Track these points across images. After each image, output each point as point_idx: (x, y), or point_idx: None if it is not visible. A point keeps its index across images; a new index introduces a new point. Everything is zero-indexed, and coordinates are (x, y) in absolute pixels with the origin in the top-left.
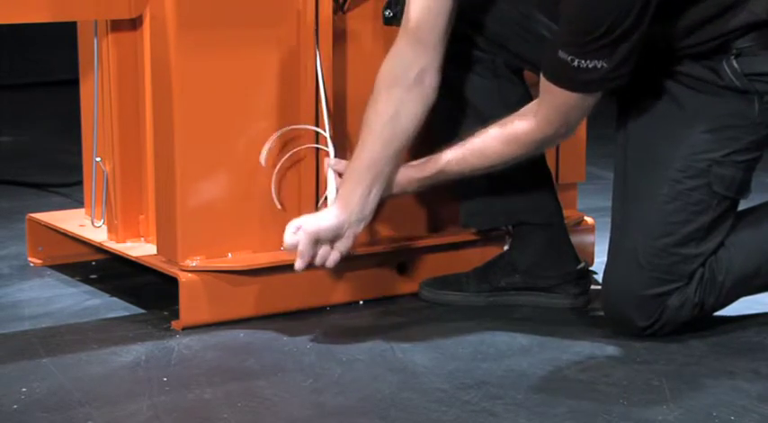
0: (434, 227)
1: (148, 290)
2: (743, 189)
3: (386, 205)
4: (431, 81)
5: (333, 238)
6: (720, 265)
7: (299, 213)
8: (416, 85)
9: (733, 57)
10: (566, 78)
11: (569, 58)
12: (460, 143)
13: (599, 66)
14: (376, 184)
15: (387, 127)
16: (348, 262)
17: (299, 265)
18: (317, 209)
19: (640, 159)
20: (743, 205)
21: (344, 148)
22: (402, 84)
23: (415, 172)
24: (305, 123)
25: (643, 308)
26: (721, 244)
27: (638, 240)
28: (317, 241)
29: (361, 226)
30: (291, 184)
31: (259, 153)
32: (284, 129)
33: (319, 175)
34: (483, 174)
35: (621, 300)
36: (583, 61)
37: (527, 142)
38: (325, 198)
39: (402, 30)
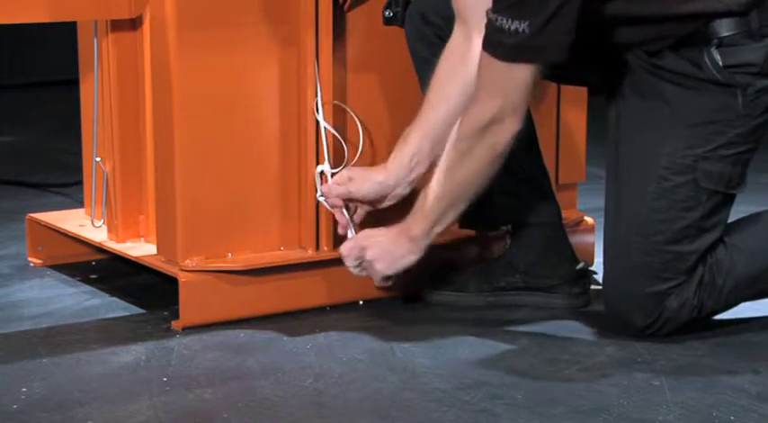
0: None
1: (148, 290)
2: (734, 183)
3: (386, 205)
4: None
5: (376, 199)
6: (721, 268)
7: (298, 213)
8: (465, 58)
9: (714, 47)
10: (493, 43)
11: (493, 18)
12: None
13: (520, 29)
14: (424, 149)
15: (437, 94)
16: None
17: (341, 228)
18: (316, 209)
19: (629, 157)
20: (746, 203)
21: (344, 147)
22: (453, 57)
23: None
24: (304, 123)
25: (641, 307)
26: (723, 243)
27: (630, 239)
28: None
29: (407, 190)
30: (292, 183)
31: (259, 154)
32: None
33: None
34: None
35: (620, 299)
36: (504, 21)
37: (475, 129)
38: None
39: (456, 14)
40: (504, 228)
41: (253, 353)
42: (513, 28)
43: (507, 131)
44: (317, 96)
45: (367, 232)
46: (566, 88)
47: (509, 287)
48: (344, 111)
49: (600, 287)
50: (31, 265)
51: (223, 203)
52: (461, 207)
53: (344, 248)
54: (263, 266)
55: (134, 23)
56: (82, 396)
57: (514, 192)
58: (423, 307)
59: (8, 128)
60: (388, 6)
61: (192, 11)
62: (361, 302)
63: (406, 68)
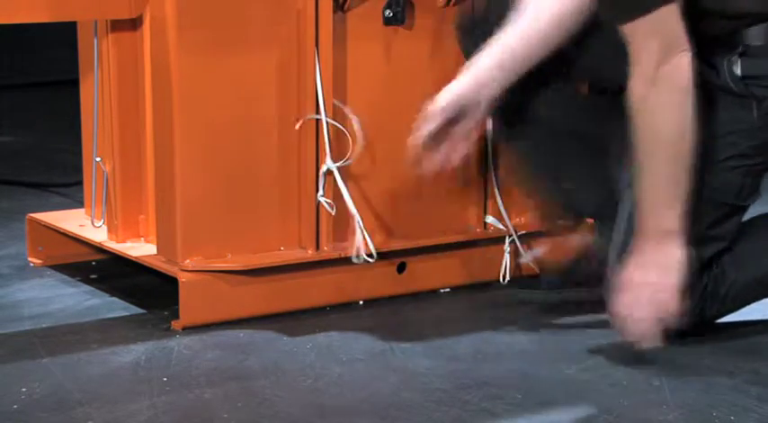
0: (434, 227)
1: (148, 290)
2: (745, 194)
3: (387, 205)
4: None
5: (463, 111)
6: (725, 278)
7: (298, 213)
8: None
9: (737, 55)
10: (616, 10)
11: None
12: None
13: None
14: (505, 64)
15: (524, 20)
16: (348, 262)
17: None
18: (316, 209)
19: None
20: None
21: (344, 146)
22: None
23: None
24: (304, 123)
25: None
26: (729, 251)
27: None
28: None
29: (492, 96)
30: (292, 183)
31: (259, 154)
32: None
33: (318, 174)
34: None
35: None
36: None
37: (648, 83)
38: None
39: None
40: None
41: (253, 353)
42: None
43: (681, 64)
44: (317, 96)
45: (618, 280)
46: None
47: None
48: (344, 110)
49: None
50: (31, 265)
51: (223, 203)
52: (687, 168)
53: (622, 307)
54: (263, 266)
55: (134, 23)
56: (82, 396)
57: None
58: (423, 307)
59: (8, 128)
60: (388, 6)
61: (191, 11)
62: (361, 302)
63: (406, 69)
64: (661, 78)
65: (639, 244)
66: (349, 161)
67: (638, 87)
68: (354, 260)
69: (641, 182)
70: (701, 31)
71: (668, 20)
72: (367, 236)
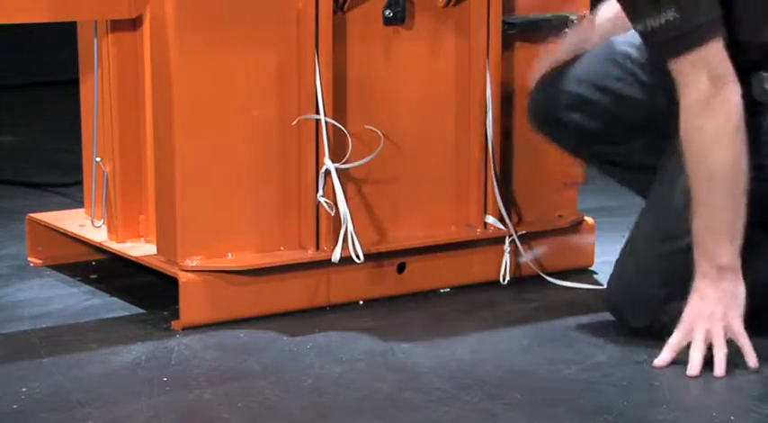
0: (434, 227)
1: (148, 290)
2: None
3: (387, 205)
4: None
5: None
6: None
7: (298, 213)
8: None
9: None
10: (658, 45)
11: (643, 28)
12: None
13: (670, 17)
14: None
15: None
16: (348, 262)
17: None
18: (316, 209)
19: (664, 169)
20: None
21: (343, 147)
22: None
23: None
24: (304, 123)
25: (641, 308)
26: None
27: (649, 237)
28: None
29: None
30: (292, 183)
31: (259, 154)
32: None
33: (318, 174)
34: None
35: (620, 298)
36: (653, 21)
37: (697, 115)
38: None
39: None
40: None
41: (253, 353)
42: (663, 22)
43: (731, 95)
44: (317, 96)
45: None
46: None
47: None
48: (344, 110)
49: (600, 287)
50: (31, 265)
51: (223, 203)
52: (743, 199)
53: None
54: (263, 266)
55: (134, 23)
56: (82, 396)
57: None
58: (423, 307)
59: (8, 128)
60: (388, 6)
61: (191, 11)
62: (361, 302)
63: (406, 69)
64: (712, 110)
65: (698, 281)
66: (348, 164)
67: (689, 120)
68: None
69: (697, 216)
70: (734, 57)
71: (714, 53)
72: (356, 239)
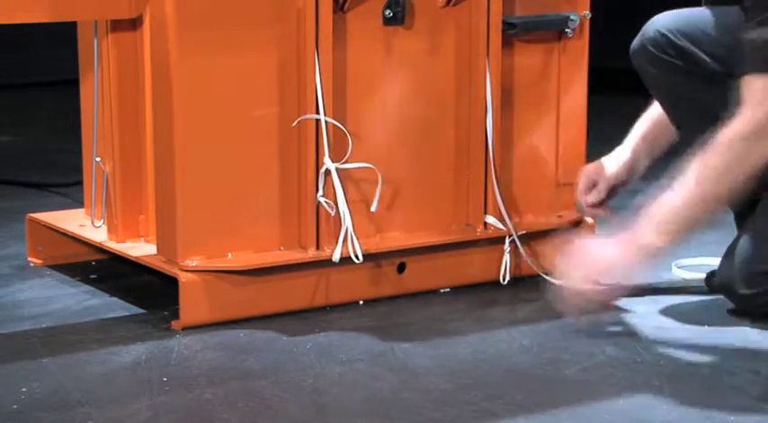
0: (434, 227)
1: (148, 290)
2: None
3: (387, 205)
4: None
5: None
6: None
7: (298, 213)
8: None
9: None
10: (755, 60)
11: (756, 36)
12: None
13: None
14: (641, 151)
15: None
16: (348, 262)
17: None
18: (316, 209)
19: None
20: None
21: (343, 147)
22: None
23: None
24: (304, 123)
25: (747, 278)
26: None
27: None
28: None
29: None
30: (292, 183)
31: (259, 154)
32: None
33: (318, 174)
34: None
35: (729, 270)
36: (763, 32)
37: (737, 140)
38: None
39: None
40: None
41: (253, 353)
42: None
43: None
44: (317, 96)
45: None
46: (565, 88)
47: None
48: (344, 110)
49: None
50: (31, 265)
51: (223, 203)
52: (707, 217)
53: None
54: (263, 266)
55: (134, 23)
56: (82, 396)
57: None
58: (423, 307)
59: (8, 128)
60: (388, 6)
61: (192, 11)
62: (361, 302)
63: (406, 69)
64: (749, 144)
65: (622, 235)
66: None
67: (741, 126)
68: (334, 260)
69: (674, 189)
70: None
71: None
72: (356, 239)
